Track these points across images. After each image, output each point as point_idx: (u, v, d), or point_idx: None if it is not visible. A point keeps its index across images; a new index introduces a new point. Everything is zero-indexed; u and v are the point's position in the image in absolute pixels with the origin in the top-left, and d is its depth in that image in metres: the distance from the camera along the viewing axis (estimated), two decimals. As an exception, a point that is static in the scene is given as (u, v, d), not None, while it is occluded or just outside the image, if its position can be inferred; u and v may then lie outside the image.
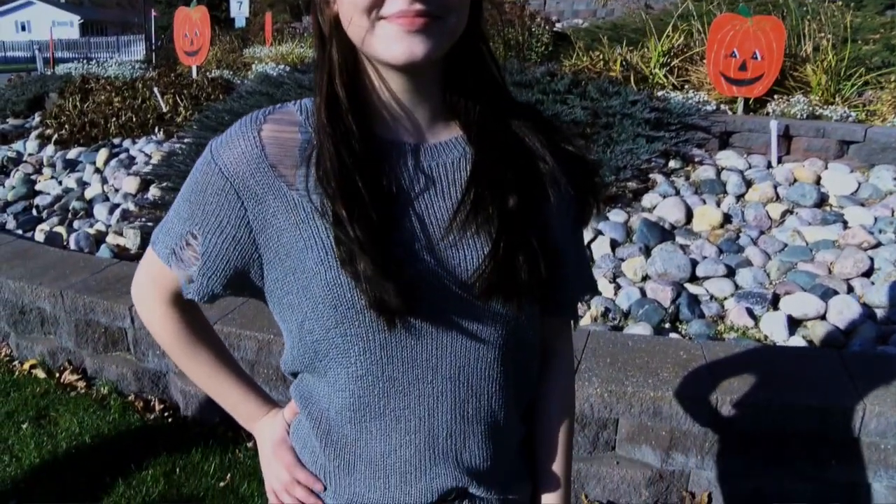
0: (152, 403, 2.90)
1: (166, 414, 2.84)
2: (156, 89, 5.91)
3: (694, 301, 3.07)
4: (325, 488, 0.94)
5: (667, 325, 2.94)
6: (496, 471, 0.93)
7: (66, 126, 5.61)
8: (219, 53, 8.52)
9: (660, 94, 4.97)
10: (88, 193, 4.59)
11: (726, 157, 4.34)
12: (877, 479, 2.22)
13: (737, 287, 3.17)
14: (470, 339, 0.85)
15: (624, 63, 5.47)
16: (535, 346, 0.95)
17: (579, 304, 1.01)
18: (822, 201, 3.86)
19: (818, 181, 4.05)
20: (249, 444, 2.62)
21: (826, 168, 4.19)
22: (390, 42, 0.73)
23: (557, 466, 1.00)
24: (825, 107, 4.62)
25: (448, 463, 0.89)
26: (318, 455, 0.93)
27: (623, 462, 2.33)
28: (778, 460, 2.25)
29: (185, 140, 4.54)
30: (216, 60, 8.18)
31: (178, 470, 2.48)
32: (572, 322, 1.04)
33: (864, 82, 4.88)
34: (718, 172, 4.17)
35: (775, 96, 4.78)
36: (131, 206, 4.12)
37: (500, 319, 0.86)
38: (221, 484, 2.42)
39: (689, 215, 3.76)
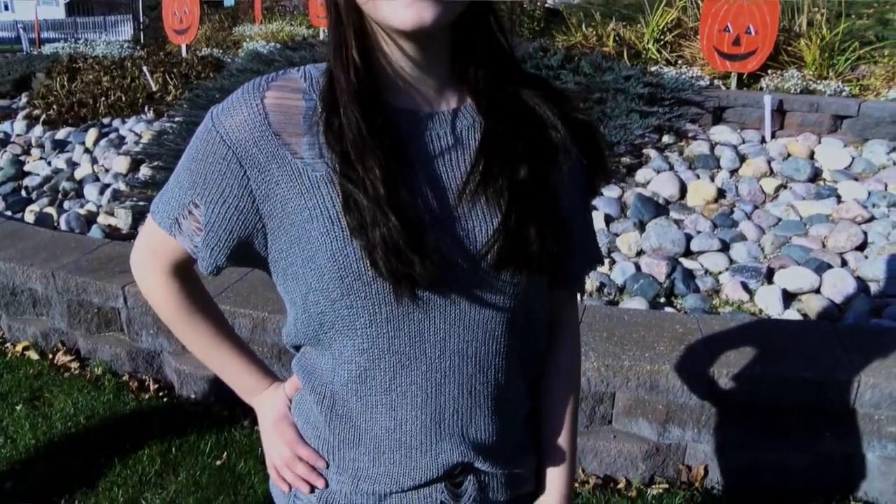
0: (147, 383, 2.89)
1: (161, 394, 2.83)
2: (145, 68, 5.84)
3: (689, 275, 3.07)
4: (328, 465, 0.92)
5: (662, 300, 2.94)
6: (502, 446, 0.92)
7: (55, 106, 5.53)
8: (208, 32, 8.42)
9: (653, 69, 4.94)
10: (78, 174, 4.54)
11: (720, 132, 4.32)
12: (870, 449, 2.24)
13: (731, 261, 3.17)
14: (478, 313, 0.84)
15: (617, 38, 5.43)
16: (543, 319, 0.94)
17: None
18: (815, 176, 3.86)
19: (812, 156, 4.05)
20: (245, 423, 2.62)
21: (820, 143, 4.18)
22: (398, 6, 0.71)
23: (562, 440, 0.99)
24: (819, 81, 4.61)
25: (454, 438, 0.88)
26: (321, 430, 0.91)
27: (620, 436, 2.34)
28: (773, 432, 2.26)
29: (176, 119, 4.49)
30: (205, 39, 8.08)
31: (173, 449, 2.48)
32: (578, 295, 1.02)
33: (858, 57, 4.87)
34: (712, 147, 4.16)
35: (769, 71, 4.76)
36: (122, 186, 4.08)
37: (508, 292, 0.84)
38: (218, 462, 2.42)
39: (683, 190, 3.75)
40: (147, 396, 2.81)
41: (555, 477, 0.99)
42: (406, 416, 0.86)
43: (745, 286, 2.94)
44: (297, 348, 0.95)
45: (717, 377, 2.18)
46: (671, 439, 2.31)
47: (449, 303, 0.82)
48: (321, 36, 6.71)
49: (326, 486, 0.93)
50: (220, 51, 7.17)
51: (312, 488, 0.94)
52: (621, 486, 2.33)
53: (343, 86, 0.76)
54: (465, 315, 0.83)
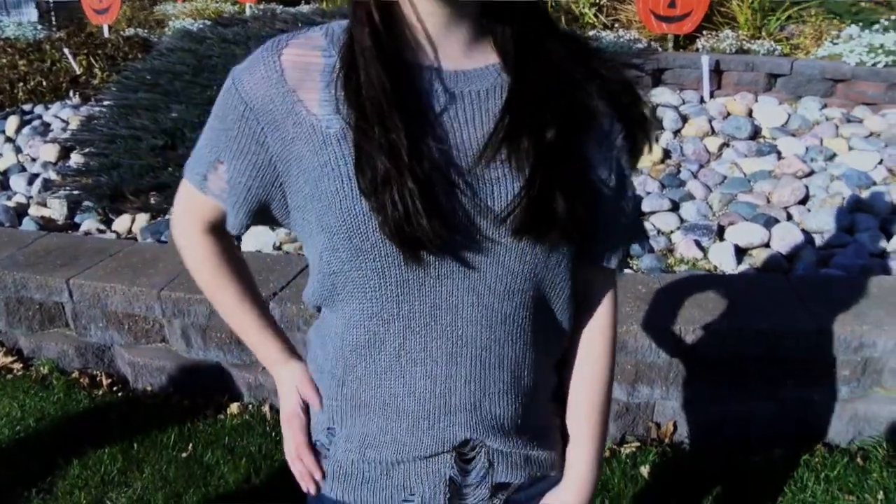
0: (99, 379, 2.77)
1: (115, 388, 2.72)
2: (66, 50, 5.55)
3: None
4: (324, 475, 0.94)
5: (618, 263, 2.97)
6: (519, 424, 0.89)
7: (-34, 94, 5.21)
8: (128, 11, 8.05)
9: (591, 33, 4.95)
10: (1, 164, 4.30)
11: (660, 94, 4.38)
12: (825, 394, 2.32)
13: (682, 220, 3.22)
14: (495, 282, 0.80)
15: (554, 3, 5.42)
16: (569, 293, 0.87)
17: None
18: (755, 133, 3.95)
19: (750, 114, 4.14)
20: (208, 412, 2.54)
21: (756, 101, 4.28)
22: None
23: (586, 422, 0.94)
24: (752, 41, 4.70)
25: (464, 412, 0.85)
26: (333, 394, 0.91)
27: (589, 398, 2.36)
28: (737, 384, 2.32)
29: (105, 103, 4.27)
30: (126, 19, 7.73)
31: (135, 445, 2.39)
32: (616, 272, 0.93)
33: (788, 17, 4.98)
34: (654, 109, 4.20)
35: (704, 32, 4.83)
36: (53, 176, 3.88)
37: (529, 261, 0.80)
38: (184, 455, 2.34)
39: (630, 154, 3.79)
40: (100, 392, 2.70)
41: (573, 463, 0.95)
42: (415, 385, 0.84)
43: (698, 244, 3.00)
44: (320, 310, 0.94)
45: (682, 334, 2.22)
46: (640, 398, 2.34)
47: (463, 268, 0.79)
48: (248, 12, 6.51)
49: (318, 490, 0.95)
50: (145, 30, 6.88)
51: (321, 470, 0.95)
52: (593, 447, 2.36)
53: (363, 42, 0.74)
54: (481, 282, 0.80)
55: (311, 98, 0.77)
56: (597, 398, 0.94)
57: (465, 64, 0.79)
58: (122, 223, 3.31)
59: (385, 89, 0.73)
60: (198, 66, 4.04)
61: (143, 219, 3.30)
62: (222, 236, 0.96)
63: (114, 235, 3.25)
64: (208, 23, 5.34)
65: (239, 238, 3.16)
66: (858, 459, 2.28)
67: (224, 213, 0.88)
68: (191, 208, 0.93)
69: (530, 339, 0.86)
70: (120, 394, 2.69)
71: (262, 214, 0.86)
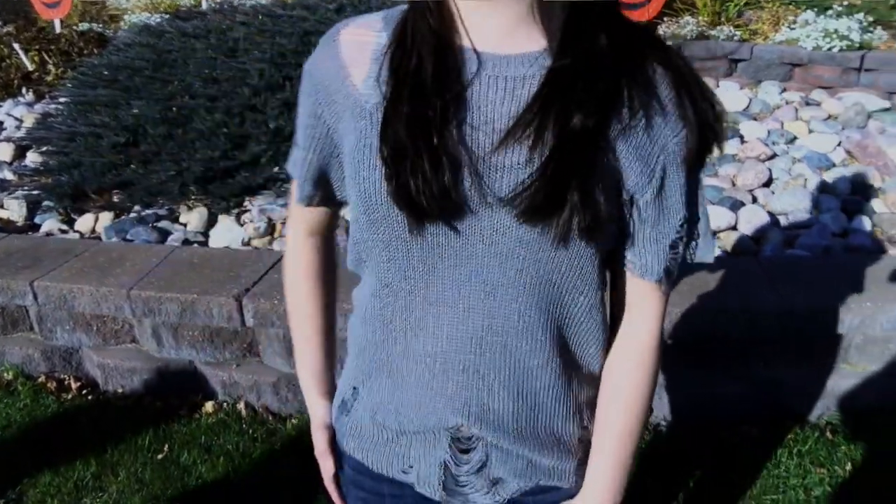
0: (67, 382, 2.71)
1: (84, 392, 2.66)
2: (16, 46, 5.38)
3: (612, 223, 3.14)
4: (360, 391, 0.96)
5: (589, 249, 2.99)
6: (523, 425, 0.87)
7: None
8: (80, 6, 7.84)
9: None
10: (-46, 166, 4.17)
11: (624, 82, 4.41)
12: (795, 371, 2.37)
13: (650, 206, 3.26)
14: (499, 272, 0.79)
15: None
16: (594, 300, 0.83)
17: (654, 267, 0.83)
18: (718, 118, 4.00)
19: (712, 99, 4.19)
20: (182, 412, 2.50)
21: (718, 86, 4.34)
22: None
23: (606, 441, 0.88)
24: (712, 27, 4.76)
25: (459, 398, 0.85)
26: (358, 353, 0.95)
27: (566, 384, 2.38)
28: (711, 365, 2.36)
29: (62, 100, 4.16)
30: (78, 13, 7.53)
31: (108, 448, 2.34)
32: (662, 287, 0.84)
33: (746, 2, 5.05)
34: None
35: (665, 19, 4.88)
36: (9, 176, 3.77)
37: (537, 254, 0.77)
38: (160, 456, 2.30)
39: (596, 141, 3.82)
40: (69, 397, 2.64)
41: (588, 482, 0.90)
42: (416, 362, 0.86)
43: (666, 229, 3.03)
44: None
45: (656, 318, 2.24)
46: (616, 382, 2.36)
47: (466, 253, 0.79)
48: (203, 6, 6.39)
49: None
50: (100, 25, 6.71)
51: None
52: (571, 432, 2.38)
53: (413, 23, 0.77)
54: (483, 267, 0.79)
55: (360, 74, 0.81)
56: (619, 415, 0.87)
57: (506, 48, 0.76)
58: (85, 222, 3.23)
59: (420, 67, 0.75)
60: (157, 61, 3.96)
61: (106, 217, 3.23)
62: (325, 246, 1.02)
63: (77, 235, 3.17)
64: (166, 17, 5.23)
65: (206, 234, 3.11)
66: (828, 434, 2.34)
67: (325, 212, 0.97)
68: (292, 207, 0.98)
69: (544, 340, 0.83)
70: (90, 397, 2.63)
71: (325, 187, 0.92)
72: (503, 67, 0.76)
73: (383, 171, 0.76)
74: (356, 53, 0.81)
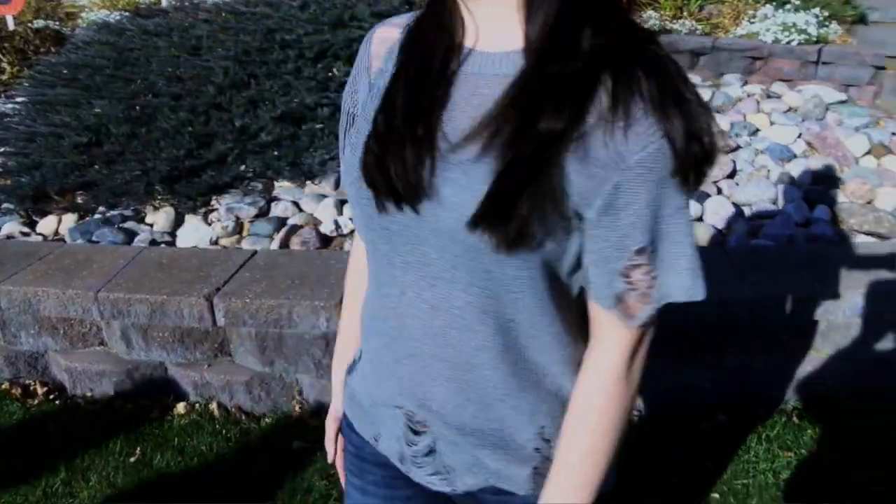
0: (33, 388, 2.65)
1: (52, 396, 2.61)
2: (-31, 46, 5.25)
3: (581, 217, 3.17)
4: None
5: (559, 243, 3.02)
6: (464, 421, 0.86)
7: None
8: (34, 2, 7.66)
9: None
10: None
11: (589, 77, 4.45)
12: (763, 358, 2.43)
13: (618, 199, 3.29)
14: (441, 266, 0.79)
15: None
16: (537, 312, 0.81)
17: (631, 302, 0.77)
18: (682, 111, 4.06)
19: (676, 93, 4.25)
20: (153, 414, 2.47)
21: (681, 80, 4.40)
22: None
23: (566, 466, 0.83)
24: (674, 21, 4.83)
25: (407, 381, 0.88)
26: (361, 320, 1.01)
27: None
28: (683, 355, 2.39)
29: (19, 99, 4.05)
30: (33, 10, 7.36)
31: (79, 454, 2.30)
32: (625, 322, 0.78)
33: (706, -4, 5.13)
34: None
35: (628, 14, 4.93)
36: (-34, 178, 3.68)
37: (475, 255, 0.75)
38: (132, 459, 2.27)
39: (563, 135, 3.84)
40: (36, 402, 2.59)
41: (548, 493, 0.84)
42: (378, 340, 0.91)
43: (634, 221, 3.07)
44: None
45: (627, 309, 2.27)
46: (589, 373, 2.39)
47: (416, 238, 0.80)
48: (164, 3, 6.29)
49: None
50: (56, 22, 6.57)
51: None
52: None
53: (420, 18, 0.83)
54: (428, 258, 0.80)
55: (378, 65, 0.88)
56: (586, 435, 0.82)
57: (488, 46, 0.76)
58: (47, 224, 3.16)
59: (405, 62, 0.81)
60: (119, 60, 3.88)
61: (70, 219, 3.17)
62: (358, 250, 1.08)
63: (40, 238, 3.10)
64: (125, 14, 5.14)
65: (174, 234, 3.07)
66: (794, 418, 2.39)
67: None
68: None
69: (487, 340, 0.81)
70: (58, 402, 2.59)
71: None
72: (482, 65, 0.77)
73: (363, 157, 0.80)
74: (380, 48, 0.88)
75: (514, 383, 0.84)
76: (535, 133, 0.69)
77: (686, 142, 0.68)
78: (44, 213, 3.23)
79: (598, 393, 0.81)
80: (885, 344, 2.43)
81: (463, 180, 0.73)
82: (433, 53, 0.79)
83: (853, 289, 2.33)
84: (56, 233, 3.14)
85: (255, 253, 2.65)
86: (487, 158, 0.72)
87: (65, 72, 3.97)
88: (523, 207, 0.69)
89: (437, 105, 0.77)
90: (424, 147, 0.75)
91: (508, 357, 0.83)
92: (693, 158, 0.69)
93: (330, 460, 1.16)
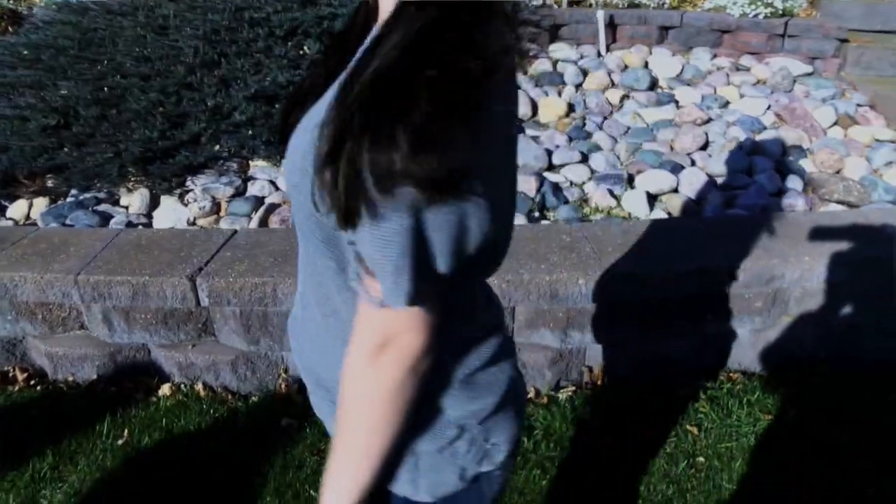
0: (12, 374, 2.61)
1: (32, 382, 2.57)
2: (-77, 27, 5.07)
3: (556, 188, 3.19)
4: None
5: (536, 214, 3.05)
6: (316, 374, 0.96)
7: None
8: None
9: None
10: None
11: (559, 49, 4.46)
12: (741, 325, 2.49)
13: (592, 171, 3.33)
14: (298, 220, 0.84)
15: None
16: (322, 270, 0.84)
17: None
18: (653, 84, 4.11)
19: (646, 66, 4.29)
20: (138, 396, 2.45)
21: (651, 53, 4.44)
22: None
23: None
24: (642, -5, 4.85)
25: (294, 332, 1.01)
26: None
27: (525, 348, 2.43)
28: (662, 324, 2.44)
29: (-21, 82, 3.95)
30: (-14, -10, 7.11)
31: (65, 438, 2.28)
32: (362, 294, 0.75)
33: (674, -31, 5.16)
34: (554, 64, 4.29)
35: (597, -12, 4.94)
36: (-71, 163, 3.57)
37: (299, 218, 0.83)
38: (120, 441, 2.25)
39: (535, 108, 3.87)
40: (16, 388, 2.55)
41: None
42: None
43: (611, 192, 3.11)
44: None
45: (608, 279, 2.31)
46: (572, 344, 2.43)
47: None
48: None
49: None
50: (10, 2, 6.36)
51: None
52: (531, 395, 2.44)
53: None
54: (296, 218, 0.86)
55: None
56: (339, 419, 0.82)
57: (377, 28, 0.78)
58: (18, 209, 3.10)
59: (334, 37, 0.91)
60: (83, 40, 3.79)
61: (41, 203, 3.10)
62: None
63: (10, 223, 3.04)
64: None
65: (150, 216, 3.03)
66: (773, 382, 2.46)
67: None
68: None
69: (308, 290, 0.92)
70: (39, 387, 2.55)
71: None
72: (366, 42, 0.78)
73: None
74: None
75: (325, 331, 0.92)
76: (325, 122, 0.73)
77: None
78: (14, 198, 3.16)
79: (342, 381, 0.79)
80: (856, 309, 2.51)
81: (292, 145, 0.84)
82: (350, 35, 0.89)
83: (826, 256, 2.39)
84: (27, 217, 3.08)
85: (235, 232, 2.63)
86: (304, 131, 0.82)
87: (25, 53, 3.86)
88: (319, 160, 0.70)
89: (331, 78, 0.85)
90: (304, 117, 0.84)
91: (331, 320, 0.89)
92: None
93: None
